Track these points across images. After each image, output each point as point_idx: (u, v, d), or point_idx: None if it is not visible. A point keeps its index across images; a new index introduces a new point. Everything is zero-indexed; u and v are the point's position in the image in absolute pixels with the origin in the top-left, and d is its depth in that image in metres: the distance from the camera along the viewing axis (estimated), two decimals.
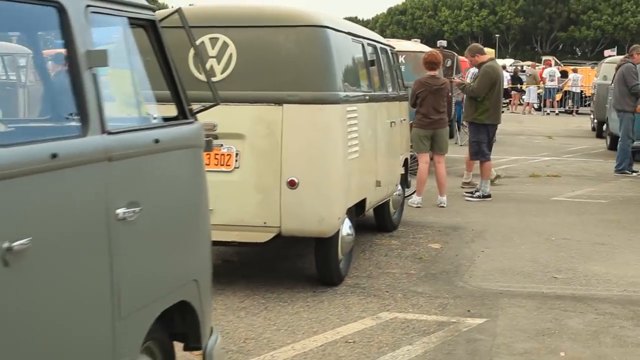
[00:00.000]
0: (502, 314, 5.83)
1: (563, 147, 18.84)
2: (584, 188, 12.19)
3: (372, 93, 7.16)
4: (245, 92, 6.02)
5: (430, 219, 9.51)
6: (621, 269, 7.22)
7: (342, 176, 6.12)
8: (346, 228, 6.46)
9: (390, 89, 8.11)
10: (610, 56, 38.76)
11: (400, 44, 13.48)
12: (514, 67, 38.99)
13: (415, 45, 13.58)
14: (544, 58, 65.50)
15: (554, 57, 56.52)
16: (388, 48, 8.38)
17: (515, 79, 34.05)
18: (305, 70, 5.98)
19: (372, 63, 7.22)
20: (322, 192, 5.96)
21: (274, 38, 6.05)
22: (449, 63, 18.07)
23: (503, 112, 21.21)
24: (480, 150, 10.82)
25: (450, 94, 17.20)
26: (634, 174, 13.61)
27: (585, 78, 34.41)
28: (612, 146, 17.77)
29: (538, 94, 33.11)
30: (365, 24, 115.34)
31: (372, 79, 7.22)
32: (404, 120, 8.60)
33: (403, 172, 8.67)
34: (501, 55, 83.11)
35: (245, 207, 6.00)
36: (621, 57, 17.45)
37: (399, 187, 8.73)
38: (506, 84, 26.76)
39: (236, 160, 6.04)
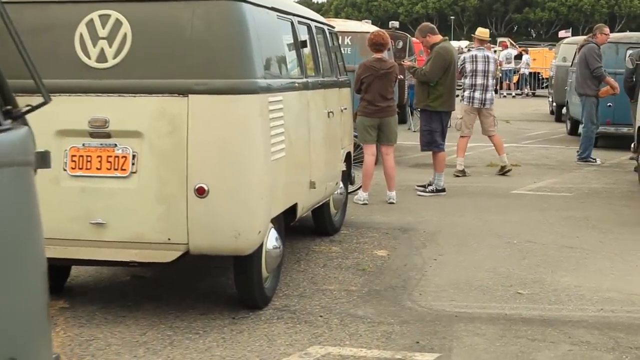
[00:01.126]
0: (457, 346, 4.81)
1: (521, 132, 17.96)
2: (546, 179, 11.27)
3: (304, 79, 6.10)
4: (143, 81, 4.92)
5: (377, 218, 8.49)
6: (594, 280, 6.26)
7: (264, 180, 5.05)
8: (272, 241, 5.40)
9: (327, 74, 7.05)
10: (565, 37, 38.20)
11: (346, 24, 12.44)
12: (469, 49, 38.14)
13: (363, 26, 12.51)
14: (499, 40, 64.91)
15: (509, 39, 55.92)
16: (325, 27, 7.31)
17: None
18: (216, 53, 4.89)
19: (303, 44, 6.15)
20: (239, 201, 4.88)
21: (178, 14, 4.95)
22: (400, 45, 17.07)
23: (457, 96, 20.50)
24: (433, 140, 9.82)
25: (402, 77, 16.28)
26: (597, 161, 12.71)
27: (541, 59, 33.75)
28: (573, 131, 16.96)
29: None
30: (319, 7, 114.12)
31: (303, 63, 6.15)
32: (345, 109, 7.55)
33: (345, 167, 7.62)
34: (457, 37, 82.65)
35: (145, 220, 4.92)
36: (583, 37, 16.57)
37: (341, 184, 7.69)
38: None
39: (133, 164, 4.94)
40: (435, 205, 9.22)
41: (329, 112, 6.80)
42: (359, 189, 9.38)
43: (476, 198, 9.72)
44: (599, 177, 11.56)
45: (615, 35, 15.00)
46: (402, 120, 18.40)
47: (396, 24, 20.59)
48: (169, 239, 4.90)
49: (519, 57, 33.04)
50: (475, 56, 11.30)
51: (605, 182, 11.11)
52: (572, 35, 40.79)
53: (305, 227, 7.50)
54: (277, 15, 5.69)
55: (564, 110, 19.37)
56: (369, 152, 9.20)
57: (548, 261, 6.81)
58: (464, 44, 64.94)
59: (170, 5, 4.98)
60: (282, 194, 5.49)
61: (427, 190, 9.92)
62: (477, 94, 11.23)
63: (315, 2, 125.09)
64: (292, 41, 6.07)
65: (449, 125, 10.41)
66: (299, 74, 6.08)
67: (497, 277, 6.30)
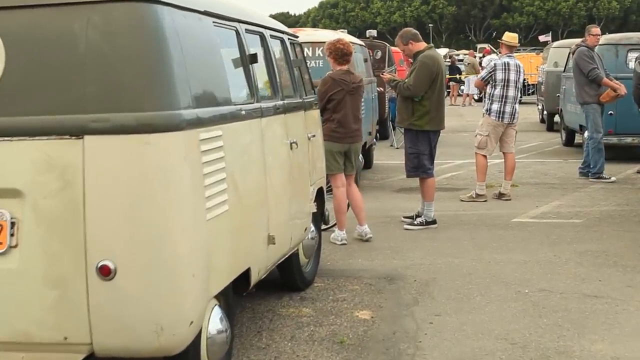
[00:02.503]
0: None
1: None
2: (549, 201, 9.92)
3: (255, 105, 4.72)
4: (20, 119, 3.53)
5: (358, 263, 7.11)
6: (634, 346, 4.89)
7: (196, 249, 3.66)
8: (215, 323, 4.03)
9: (289, 95, 5.68)
10: (546, 41, 37.02)
11: (317, 34, 11.08)
12: (451, 56, 37.09)
13: (336, 35, 11.12)
14: (479, 46, 64.04)
15: (489, 45, 54.92)
16: (286, 37, 5.94)
17: (453, 68, 32.01)
18: (120, 77, 3.50)
19: (253, 59, 4.76)
20: (159, 282, 3.49)
21: (66, 24, 3.56)
22: (379, 55, 15.75)
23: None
24: (421, 164, 8.45)
25: (382, 89, 14.93)
26: (612, 179, 11.36)
27: (526, 65, 32.47)
28: (569, 142, 15.70)
29: None
30: (297, 19, 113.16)
31: (254, 83, 4.77)
32: (314, 136, 6.17)
33: (316, 208, 6.23)
34: (436, 45, 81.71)
35: (32, 312, 3.52)
36: (575, 40, 15.28)
37: (313, 228, 6.32)
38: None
39: (12, 235, 3.54)
40: (426, 242, 7.85)
41: (291, 143, 5.42)
42: (333, 226, 8.00)
43: (473, 230, 8.35)
44: (607, 196, 10.23)
45: (613, 36, 13.72)
46: (384, 136, 17.08)
47: (374, 32, 19.33)
48: (66, 338, 3.51)
49: None
50: (508, 64, 9.94)
51: (615, 202, 9.78)
52: (552, 39, 39.71)
53: (271, 281, 6.11)
54: (215, 22, 4.31)
55: (556, 119, 18.14)
56: (339, 182, 7.81)
57: (571, 319, 5.45)
58: (443, 51, 64.03)
59: (56, 12, 3.58)
60: (228, 261, 4.10)
61: (415, 222, 8.55)
62: (509, 108, 9.90)
63: (293, 14, 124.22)
64: (237, 55, 4.69)
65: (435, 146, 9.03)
66: (247, 98, 4.70)
67: (512, 348, 4.92)
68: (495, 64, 10.00)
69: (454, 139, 17.73)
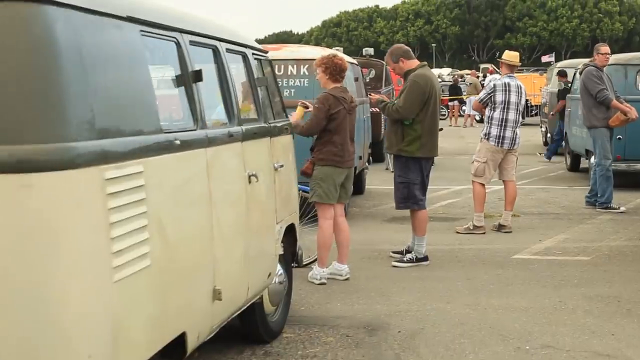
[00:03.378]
0: None
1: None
2: (554, 234, 9.06)
3: (196, 132, 3.87)
4: None
5: (336, 308, 6.26)
6: None
7: (95, 322, 2.83)
8: None
9: (249, 120, 4.86)
10: (549, 62, 36.30)
11: (301, 51, 10.25)
12: (453, 76, 36.42)
13: (323, 52, 10.29)
14: (481, 66, 63.46)
15: (492, 65, 54.30)
16: (249, 52, 5.11)
17: (454, 88, 31.27)
18: None
19: (197, 77, 3.92)
20: None
21: None
22: (372, 73, 14.95)
23: (441, 129, 18.31)
24: (411, 194, 7.61)
25: (377, 110, 14.12)
26: (621, 208, 10.51)
27: (529, 85, 31.71)
28: (574, 167, 14.87)
29: None
30: (300, 37, 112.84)
31: (197, 106, 3.93)
32: (282, 166, 5.33)
33: (282, 249, 5.37)
34: (438, 65, 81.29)
35: None
36: (582, 61, 14.48)
37: (281, 271, 5.48)
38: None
39: None
40: (416, 283, 7.00)
41: (250, 176, 4.59)
42: (313, 261, 7.17)
43: (469, 269, 7.49)
44: (617, 229, 9.38)
45: (622, 57, 12.90)
46: (379, 159, 16.26)
47: (370, 50, 18.59)
48: None
49: None
50: (508, 85, 9.13)
51: (626, 236, 8.93)
52: (556, 60, 38.99)
53: (233, 329, 5.25)
54: (144, 32, 3.48)
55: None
56: (328, 214, 7.00)
57: None
58: (445, 71, 63.38)
59: None
60: (150, 328, 3.26)
61: (405, 259, 7.70)
62: (509, 133, 9.10)
63: (296, 33, 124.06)
64: (176, 73, 3.87)
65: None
66: (188, 125, 3.87)
67: None
68: (494, 85, 9.18)
69: (453, 162, 16.92)
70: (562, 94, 16.89)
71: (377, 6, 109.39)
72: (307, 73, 9.69)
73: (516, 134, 9.14)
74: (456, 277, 7.17)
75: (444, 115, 32.40)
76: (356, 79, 10.95)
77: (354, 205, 11.02)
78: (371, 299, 6.50)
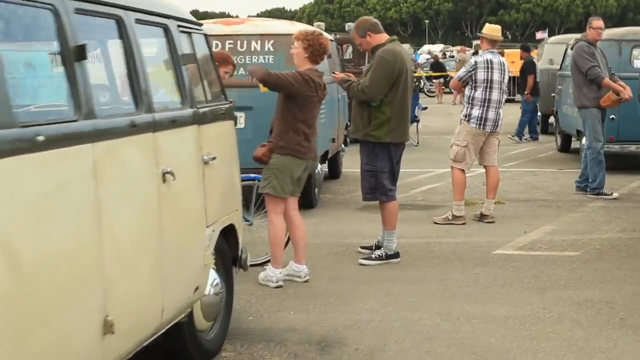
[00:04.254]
0: None
1: (503, 149, 14.76)
2: (540, 225, 8.28)
3: (75, 125, 3.05)
4: None
5: (289, 317, 5.48)
6: None
7: None
8: None
9: (166, 105, 4.05)
10: (542, 38, 35.43)
11: (264, 25, 9.39)
12: (430, 52, 35.58)
13: (290, 26, 9.42)
14: (474, 42, 62.58)
15: None
16: (173, 24, 4.28)
17: (437, 65, 30.44)
18: None
19: (79, 54, 3.10)
20: None
21: None
22: (350, 51, 14.10)
23: (426, 108, 17.52)
24: (379, 184, 6.82)
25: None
26: (614, 194, 9.73)
27: (520, 62, 30.86)
28: (564, 147, 14.10)
29: None
30: (292, 14, 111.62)
31: (80, 91, 3.10)
32: (214, 158, 4.51)
33: (213, 258, 4.56)
34: (431, 41, 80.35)
35: None
36: (575, 35, 13.64)
37: (217, 280, 4.69)
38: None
39: None
40: (383, 285, 6.22)
41: (165, 173, 3.78)
42: (267, 262, 6.40)
43: (444, 268, 6.71)
44: (609, 218, 8.61)
45: (616, 31, 12.06)
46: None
47: (322, 25, 17.67)
48: None
49: None
50: (490, 62, 8.29)
51: (619, 227, 8.16)
52: (549, 36, 38.07)
53: (159, 348, 4.46)
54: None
55: (551, 120, 16.56)
56: (278, 208, 6.21)
57: None
58: (438, 47, 62.35)
59: None
60: None
61: (373, 256, 6.91)
62: (491, 114, 8.30)
63: (288, 10, 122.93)
64: (50, 50, 3.06)
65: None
66: (64, 114, 3.06)
67: None
68: (475, 62, 8.35)
69: (439, 142, 16.07)
70: (529, 68, 16.27)
71: None
72: (272, 49, 8.88)
73: (499, 115, 8.35)
74: (429, 278, 6.39)
75: (433, 93, 31.59)
76: (329, 56, 10.08)
77: (327, 191, 10.24)
78: (330, 305, 5.72)
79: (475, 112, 8.25)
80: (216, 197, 4.57)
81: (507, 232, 7.94)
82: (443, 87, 30.28)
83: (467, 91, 8.39)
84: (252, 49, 8.84)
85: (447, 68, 31.83)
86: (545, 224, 8.31)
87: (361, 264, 6.84)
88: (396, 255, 6.91)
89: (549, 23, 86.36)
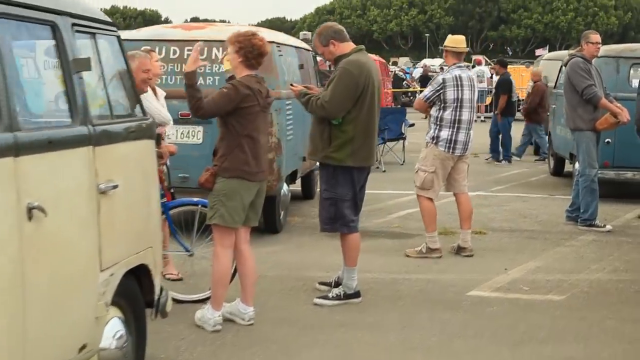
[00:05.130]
0: None
1: (492, 171, 14.17)
2: (523, 261, 7.47)
3: None
4: None
5: None
6: None
7: None
8: None
9: (42, 122, 3.26)
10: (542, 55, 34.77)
11: (227, 30, 8.52)
12: (425, 66, 34.85)
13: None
14: (473, 57, 61.95)
15: (484, 57, 52.79)
16: (63, 22, 3.47)
17: (425, 79, 29.74)
18: None
19: None
20: None
21: None
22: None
23: (413, 125, 16.68)
24: (339, 214, 6.00)
25: None
26: (607, 227, 8.91)
27: (517, 78, 30.12)
28: (557, 170, 13.28)
29: None
30: (293, 24, 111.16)
31: None
32: (116, 187, 3.69)
33: (108, 308, 3.73)
34: (431, 55, 79.74)
35: None
36: (568, 51, 12.86)
37: (120, 332, 3.86)
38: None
39: None
40: (335, 332, 5.40)
41: (31, 209, 2.97)
42: (205, 300, 5.60)
43: (409, 312, 5.89)
44: (600, 255, 7.80)
45: (613, 48, 11.27)
46: None
47: (308, 35, 16.91)
48: None
49: (492, 76, 29.39)
50: (459, 78, 7.44)
51: (611, 266, 7.35)
52: (550, 52, 37.38)
53: None
54: None
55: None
56: (227, 241, 5.41)
57: None
58: (438, 62, 61.52)
59: None
60: None
61: (330, 295, 6.09)
62: (462, 136, 7.45)
63: (289, 19, 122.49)
64: None
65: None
66: None
67: None
68: (443, 80, 7.46)
69: None
70: (503, 87, 15.33)
71: None
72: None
73: (469, 137, 7.53)
74: (390, 324, 5.57)
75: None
76: (301, 66, 9.30)
77: (297, 213, 9.43)
78: (270, 356, 4.90)
79: (444, 134, 7.42)
80: (118, 234, 3.76)
81: (485, 269, 7.12)
82: None
83: (433, 111, 7.52)
84: (214, 57, 8.05)
85: None
86: (529, 260, 7.49)
87: (316, 304, 6.02)
88: (356, 294, 6.09)
89: (550, 39, 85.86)
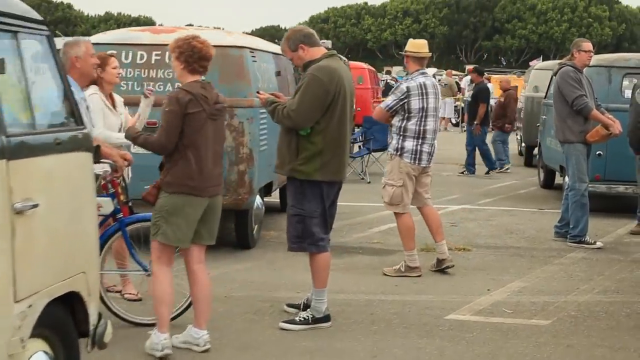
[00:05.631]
0: None
1: (481, 183, 13.75)
2: (508, 281, 7.04)
3: None
4: None
5: None
6: None
7: None
8: None
9: None
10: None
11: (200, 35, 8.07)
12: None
13: (226, 37, 8.03)
14: (467, 67, 61.81)
15: (478, 66, 52.56)
16: None
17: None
18: None
19: None
20: None
21: None
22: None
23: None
24: (308, 232, 5.57)
25: None
26: (597, 244, 8.49)
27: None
28: (547, 183, 12.86)
29: (455, 107, 28.32)
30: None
31: None
32: (36, 206, 3.25)
33: (23, 345, 3.29)
34: (426, 65, 79.51)
35: None
36: (558, 61, 12.47)
37: None
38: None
39: None
40: None
41: None
42: (152, 325, 5.16)
43: (381, 337, 5.45)
44: (590, 274, 7.37)
45: (605, 57, 10.88)
46: None
47: (328, 43, 16.54)
48: None
49: None
50: (424, 86, 7.02)
51: (601, 286, 6.92)
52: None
53: None
54: None
55: (535, 151, 15.34)
56: (165, 258, 4.98)
57: None
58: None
59: None
60: None
61: (297, 319, 5.65)
62: (427, 147, 7.05)
63: (283, 27, 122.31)
64: None
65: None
66: None
67: None
68: (408, 88, 7.01)
69: None
70: (482, 95, 14.79)
71: (365, 3, 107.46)
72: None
73: (434, 148, 7.13)
74: (360, 353, 5.14)
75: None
76: (278, 73, 8.87)
77: (273, 227, 8.99)
78: None
79: (409, 144, 6.99)
80: (39, 260, 3.32)
81: (467, 289, 6.69)
82: None
83: (396, 121, 7.07)
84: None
85: None
86: (515, 280, 7.06)
87: (282, 329, 5.58)
88: (326, 318, 5.66)
89: (544, 50, 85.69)
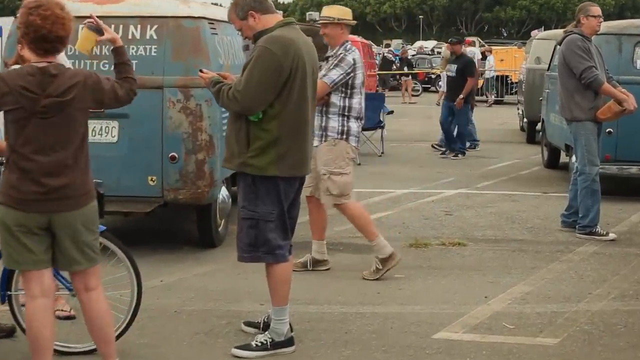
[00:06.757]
0: None
1: (479, 164, 12.71)
2: (509, 285, 6.04)
3: None
4: None
5: None
6: None
7: None
8: None
9: None
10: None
11: (147, 5, 6.95)
12: (402, 48, 33.56)
13: (179, 7, 6.87)
14: (466, 39, 60.65)
15: (478, 38, 51.39)
16: None
17: (405, 62, 28.43)
18: None
19: None
20: None
21: None
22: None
23: (392, 112, 15.22)
24: (262, 238, 4.58)
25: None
26: (610, 235, 7.49)
27: (510, 60, 28.75)
28: (551, 163, 11.86)
29: None
30: (285, 7, 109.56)
31: None
32: None
33: None
34: (425, 37, 78.24)
35: None
36: (562, 30, 11.40)
37: None
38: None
39: None
40: None
41: None
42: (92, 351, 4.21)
43: None
44: (604, 272, 6.38)
45: (615, 24, 9.80)
46: None
47: (315, 15, 15.43)
48: None
49: (484, 58, 27.95)
50: (359, 60, 6.14)
51: (618, 289, 5.94)
52: None
53: None
54: None
55: (538, 127, 14.29)
56: (36, 288, 3.92)
57: None
58: (431, 44, 59.81)
59: None
60: None
61: (254, 344, 4.66)
62: (360, 128, 6.26)
63: (281, 2, 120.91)
64: None
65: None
66: None
67: None
68: (354, 60, 6.03)
69: (407, 152, 13.92)
70: (469, 69, 13.47)
71: None
72: (155, 37, 6.66)
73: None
74: None
75: (418, 91, 29.47)
76: (246, 47, 7.81)
77: None
78: None
79: (354, 126, 6.05)
80: None
81: (461, 297, 5.70)
82: (414, 85, 28.45)
83: (336, 99, 6.01)
84: (130, 37, 6.61)
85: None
86: (517, 283, 6.08)
87: (234, 356, 4.60)
88: (288, 342, 4.68)
89: (545, 21, 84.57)
